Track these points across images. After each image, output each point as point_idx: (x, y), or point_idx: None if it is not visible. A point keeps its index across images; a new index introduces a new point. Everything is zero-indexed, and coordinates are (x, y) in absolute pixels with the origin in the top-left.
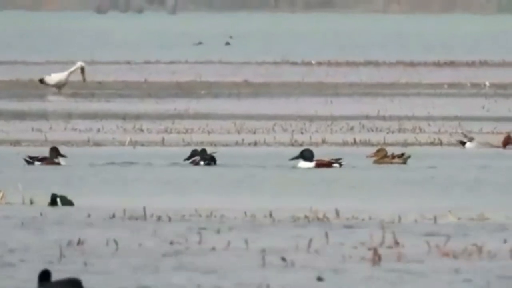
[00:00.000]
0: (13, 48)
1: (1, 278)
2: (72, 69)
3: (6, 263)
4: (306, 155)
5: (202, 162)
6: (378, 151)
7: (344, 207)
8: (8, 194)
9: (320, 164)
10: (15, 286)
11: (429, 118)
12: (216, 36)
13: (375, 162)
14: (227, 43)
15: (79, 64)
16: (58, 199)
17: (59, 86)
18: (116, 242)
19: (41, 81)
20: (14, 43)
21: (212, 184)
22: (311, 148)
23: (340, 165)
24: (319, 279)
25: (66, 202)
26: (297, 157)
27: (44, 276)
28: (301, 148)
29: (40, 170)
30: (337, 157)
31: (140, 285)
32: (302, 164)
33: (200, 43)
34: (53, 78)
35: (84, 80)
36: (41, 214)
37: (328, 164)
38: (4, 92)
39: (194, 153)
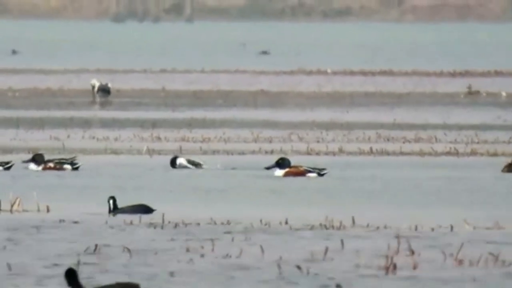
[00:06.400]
0: (31, 57)
1: (20, 285)
2: None
3: (25, 270)
4: (282, 164)
5: (69, 166)
6: None
7: (360, 216)
8: (24, 201)
9: (290, 173)
10: None
11: (445, 128)
12: (236, 45)
13: (503, 171)
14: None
15: None
16: (111, 202)
17: None
18: (129, 250)
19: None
20: (32, 52)
21: (229, 192)
22: (327, 157)
23: (320, 174)
24: (338, 286)
25: (148, 209)
26: (273, 166)
27: (71, 275)
28: (317, 157)
29: (55, 177)
30: (322, 167)
31: None
32: (277, 172)
33: (265, 52)
34: None
35: None
36: (59, 221)
37: (302, 173)
38: (22, 100)
39: (34, 158)
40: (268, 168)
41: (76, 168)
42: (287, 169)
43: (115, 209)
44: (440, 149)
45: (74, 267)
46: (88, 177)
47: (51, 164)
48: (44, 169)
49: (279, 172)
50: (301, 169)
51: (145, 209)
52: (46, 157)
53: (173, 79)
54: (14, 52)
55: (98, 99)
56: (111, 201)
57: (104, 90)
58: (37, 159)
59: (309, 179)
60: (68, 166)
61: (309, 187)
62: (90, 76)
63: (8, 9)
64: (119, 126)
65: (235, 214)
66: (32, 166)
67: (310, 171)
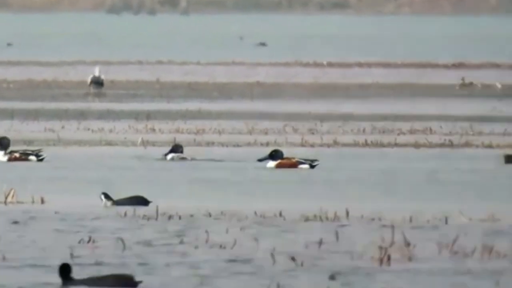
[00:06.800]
0: (26, 49)
1: (14, 276)
2: None
3: (19, 262)
4: (275, 156)
5: (34, 157)
6: None
7: (355, 207)
8: (18, 193)
9: (282, 164)
10: (27, 283)
11: (440, 119)
12: (232, 37)
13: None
14: None
15: None
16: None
17: None
18: (123, 242)
19: None
20: (28, 44)
21: (223, 184)
22: (322, 148)
23: (312, 166)
24: (332, 277)
25: (144, 201)
26: (266, 158)
27: (65, 270)
28: (312, 149)
29: (49, 169)
30: (314, 158)
31: (148, 284)
32: (270, 164)
33: (263, 43)
34: None
35: None
36: (54, 213)
37: (294, 165)
38: (17, 92)
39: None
40: (261, 160)
41: (41, 160)
42: (279, 161)
43: (110, 201)
44: (435, 141)
45: (67, 261)
46: (83, 169)
47: (17, 155)
48: (10, 159)
49: (271, 164)
50: (293, 160)
51: (142, 201)
52: (28, 148)
53: (168, 71)
54: (9, 44)
55: (91, 91)
56: (102, 196)
57: (97, 83)
58: (2, 142)
59: (303, 171)
60: (33, 158)
61: (303, 178)
62: (86, 68)
63: (7, 3)
64: (114, 118)
65: (229, 206)
66: None
67: (302, 163)
